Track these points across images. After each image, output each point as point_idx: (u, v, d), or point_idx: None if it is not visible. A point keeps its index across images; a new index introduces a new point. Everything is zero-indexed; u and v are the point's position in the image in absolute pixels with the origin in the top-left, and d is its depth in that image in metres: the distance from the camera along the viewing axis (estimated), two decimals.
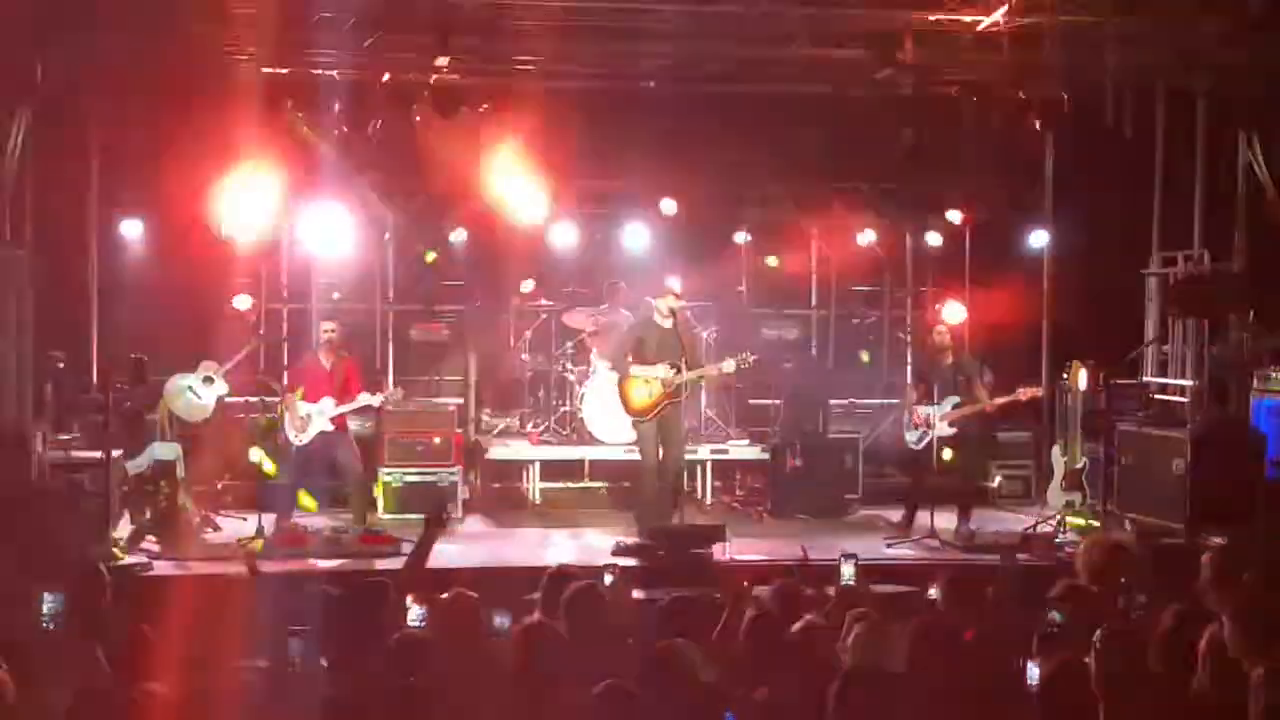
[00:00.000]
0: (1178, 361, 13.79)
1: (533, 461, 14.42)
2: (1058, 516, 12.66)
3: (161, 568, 10.99)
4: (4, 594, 6.67)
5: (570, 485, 14.76)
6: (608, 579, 7.52)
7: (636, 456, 12.86)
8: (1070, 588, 6.93)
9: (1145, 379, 14.21)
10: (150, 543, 11.66)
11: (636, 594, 8.48)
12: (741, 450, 14.72)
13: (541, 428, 14.99)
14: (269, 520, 11.99)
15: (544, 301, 15.69)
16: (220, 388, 13.22)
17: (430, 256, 15.55)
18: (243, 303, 14.44)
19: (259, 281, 15.27)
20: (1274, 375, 13.29)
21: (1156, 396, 14.02)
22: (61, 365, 12.89)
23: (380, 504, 13.24)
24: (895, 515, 12.93)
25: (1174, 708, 5.52)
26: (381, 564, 10.82)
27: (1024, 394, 12.65)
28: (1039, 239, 15.65)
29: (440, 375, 15.92)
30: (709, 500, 14.31)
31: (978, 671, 5.88)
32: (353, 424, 12.81)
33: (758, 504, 14.14)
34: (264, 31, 12.08)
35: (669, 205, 15.64)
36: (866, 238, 16.72)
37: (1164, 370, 14.02)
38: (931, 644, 5.90)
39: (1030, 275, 15.73)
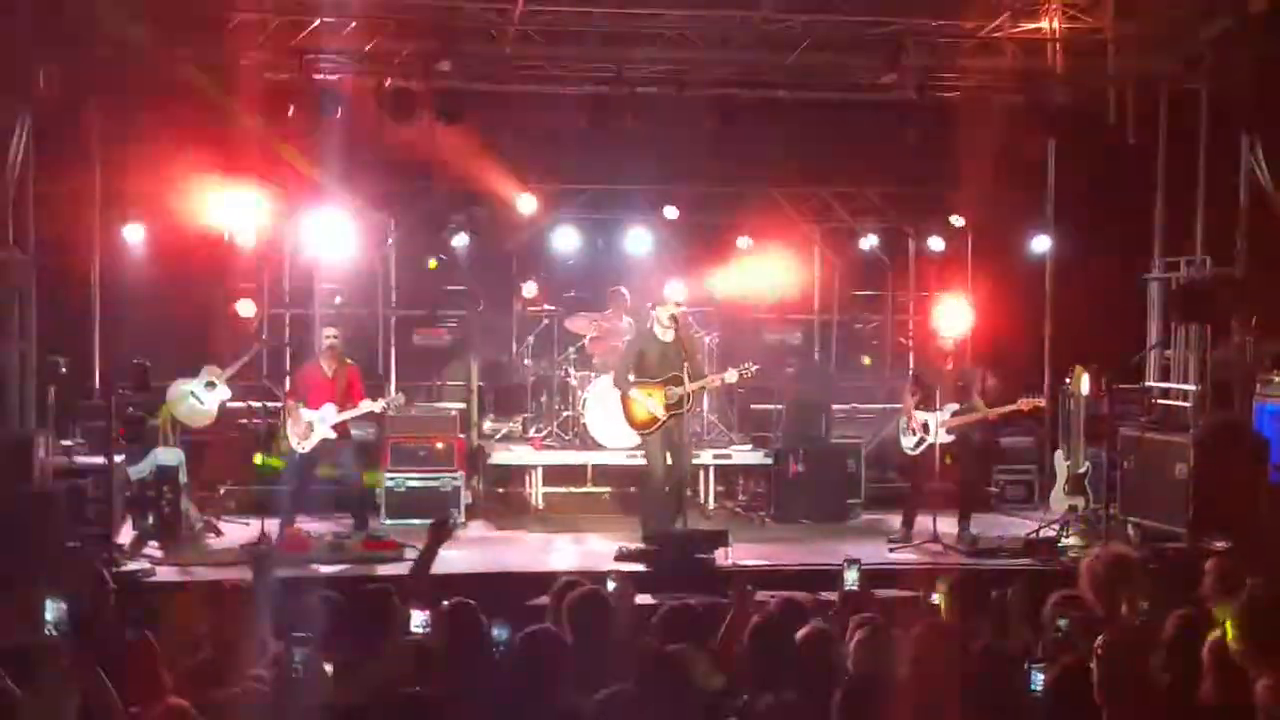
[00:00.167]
0: (1180, 366, 13.77)
1: (535, 467, 14.41)
2: (1061, 521, 12.66)
3: (164, 573, 10.99)
4: (7, 600, 6.66)
5: (573, 490, 14.73)
6: (611, 585, 7.51)
7: (639, 461, 12.86)
8: (1070, 595, 6.92)
9: (1148, 384, 14.19)
10: (153, 548, 11.66)
11: (640, 599, 8.46)
12: (744, 455, 14.70)
13: (544, 433, 14.99)
14: (272, 525, 11.98)
15: (546, 306, 15.69)
16: (223, 393, 13.24)
17: (432, 264, 15.55)
18: (246, 309, 14.43)
19: (261, 286, 15.26)
20: (1276, 379, 13.28)
21: (1159, 401, 13.99)
22: (64, 370, 12.87)
23: (382, 509, 13.23)
24: (898, 520, 12.91)
25: (1177, 714, 5.51)
26: (384, 569, 10.81)
27: (1025, 405, 12.64)
28: (1041, 244, 15.66)
29: (443, 380, 15.91)
30: (711, 505, 14.29)
31: (981, 677, 5.87)
32: (355, 430, 12.80)
33: (760, 509, 14.12)
34: (266, 37, 12.12)
35: (672, 211, 15.67)
36: (869, 242, 16.73)
37: (1166, 375, 14.00)
38: (935, 649, 5.90)
39: (1032, 280, 15.73)
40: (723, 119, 13.24)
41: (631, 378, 12.32)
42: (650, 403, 12.19)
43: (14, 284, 11.89)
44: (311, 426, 12.21)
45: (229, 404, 13.43)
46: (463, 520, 13.22)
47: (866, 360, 17.05)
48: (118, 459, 11.82)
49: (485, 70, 13.18)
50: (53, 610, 5.82)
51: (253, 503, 12.81)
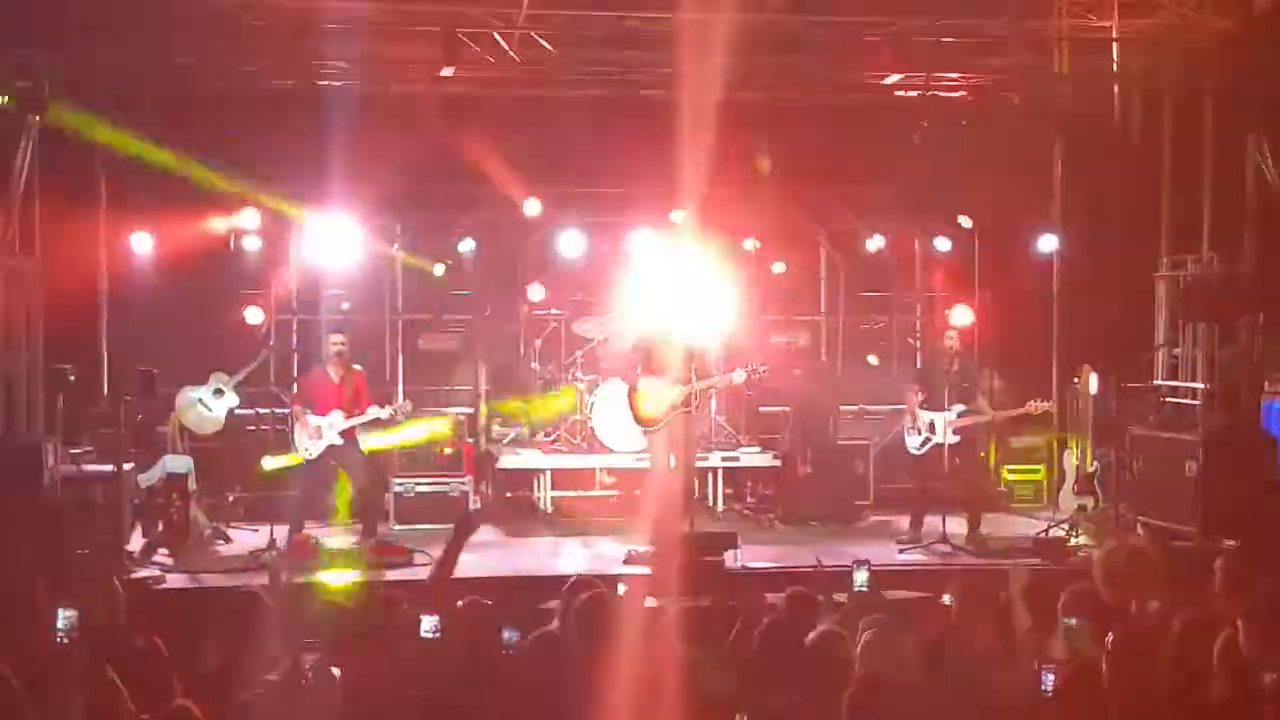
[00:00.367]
0: (1188, 365, 13.76)
1: (544, 470, 14.41)
2: (1070, 521, 12.65)
3: (174, 580, 11.01)
4: (17, 609, 6.67)
5: (582, 494, 14.73)
6: (621, 589, 7.51)
7: (648, 464, 12.85)
8: (1082, 593, 6.91)
9: (1156, 382, 14.18)
10: (162, 556, 11.67)
11: (649, 602, 8.45)
12: (752, 457, 14.69)
13: (552, 437, 14.98)
14: (281, 531, 11.98)
15: (553, 310, 15.69)
16: (231, 400, 13.26)
17: (439, 270, 15.56)
18: (254, 316, 14.43)
19: (268, 293, 15.27)
20: None
21: (1167, 400, 13.98)
22: (72, 378, 12.88)
23: (391, 515, 13.24)
24: (906, 521, 12.89)
25: (1186, 713, 5.51)
26: (393, 575, 10.81)
27: (1034, 409, 12.63)
28: (1048, 243, 15.63)
29: (450, 385, 15.91)
30: (720, 507, 14.28)
31: (993, 677, 5.87)
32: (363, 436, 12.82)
33: (769, 511, 14.12)
34: (272, 43, 12.14)
35: (679, 216, 15.65)
36: (876, 243, 16.70)
37: (1175, 374, 13.99)
38: (945, 650, 5.89)
39: (1040, 279, 15.71)
40: (728, 121, 13.23)
41: (640, 371, 12.30)
42: (657, 399, 12.16)
43: (22, 292, 11.91)
44: (320, 432, 12.21)
45: (237, 411, 13.44)
46: (480, 508, 13.21)
47: (873, 359, 17.02)
48: (126, 467, 11.84)
49: (489, 75, 13.16)
50: (63, 618, 5.82)
51: (262, 510, 12.81)
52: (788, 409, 15.32)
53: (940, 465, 12.47)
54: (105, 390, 13.76)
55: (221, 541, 12.51)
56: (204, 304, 14.49)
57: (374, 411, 12.42)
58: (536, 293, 15.76)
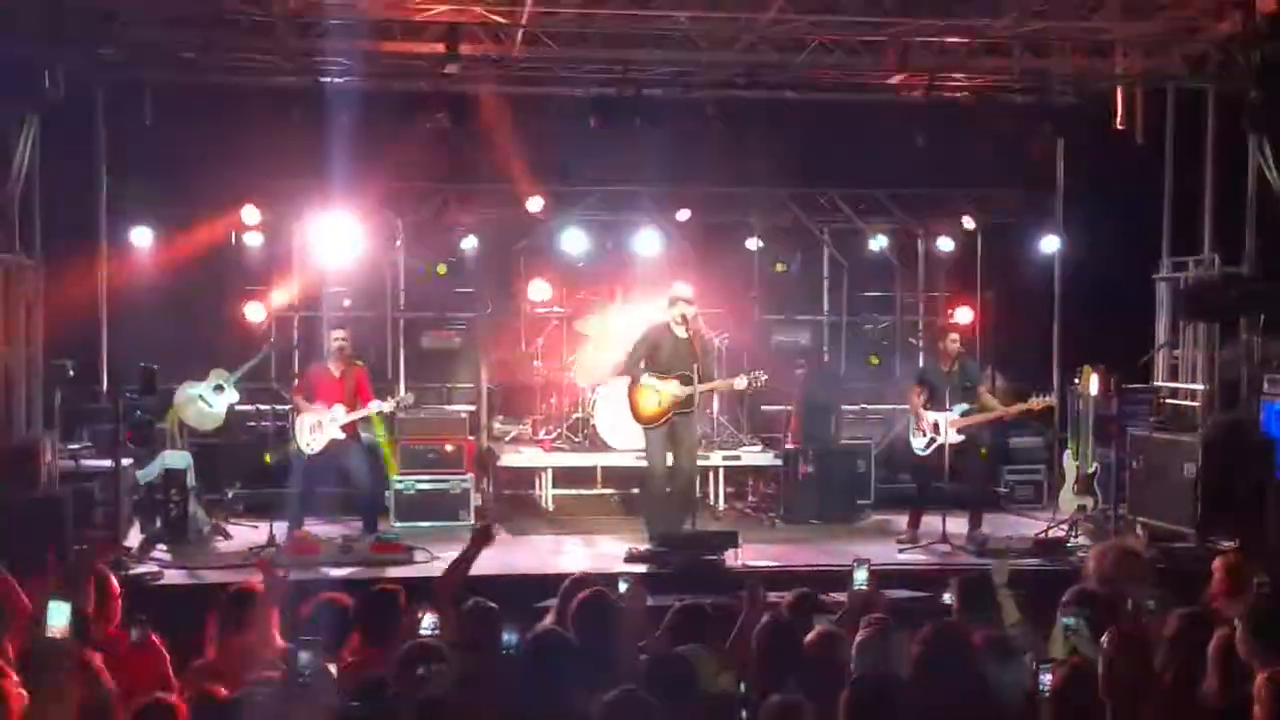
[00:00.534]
0: (1188, 366, 13.75)
1: (545, 468, 14.41)
2: (1069, 521, 12.65)
3: (172, 576, 11.01)
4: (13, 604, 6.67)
5: (583, 492, 14.73)
6: (623, 586, 7.51)
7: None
8: (1080, 592, 6.92)
9: (1156, 383, 14.17)
10: (161, 552, 11.68)
11: (650, 601, 8.46)
12: (754, 456, 14.69)
13: (554, 435, 14.98)
14: (280, 528, 11.98)
15: (555, 308, 15.69)
16: (231, 396, 13.25)
17: (442, 269, 15.56)
18: (255, 313, 14.44)
19: (269, 289, 15.28)
20: None
21: (1167, 401, 13.97)
22: (72, 374, 12.90)
23: (392, 512, 13.23)
24: (906, 521, 12.89)
25: (1182, 712, 5.50)
26: (393, 572, 10.81)
27: (1037, 404, 12.64)
28: (1050, 244, 15.64)
29: (452, 383, 15.92)
30: (721, 506, 14.28)
31: (988, 676, 5.86)
32: (363, 433, 12.82)
33: (770, 510, 14.12)
34: (274, 40, 12.13)
35: (684, 213, 15.68)
36: (878, 243, 16.71)
37: (1175, 375, 13.98)
38: (943, 650, 5.88)
39: (1041, 280, 15.71)
40: (732, 120, 13.26)
41: (643, 367, 12.29)
42: (658, 397, 12.14)
43: (22, 288, 11.91)
44: (320, 427, 12.21)
45: (237, 407, 13.44)
46: (474, 522, 13.19)
47: (874, 359, 17.03)
48: (125, 462, 11.84)
49: (492, 72, 13.16)
50: (57, 613, 5.82)
51: (261, 506, 12.81)
52: (789, 408, 15.31)
53: (944, 465, 12.46)
54: (105, 386, 13.75)
55: (221, 538, 12.50)
56: (204, 300, 14.51)
57: (375, 405, 12.43)
58: (537, 289, 15.76)
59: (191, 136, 13.45)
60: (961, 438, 12.46)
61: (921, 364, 15.02)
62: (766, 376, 12.53)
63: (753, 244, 16.52)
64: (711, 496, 14.27)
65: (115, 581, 7.30)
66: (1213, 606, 7.03)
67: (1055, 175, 15.45)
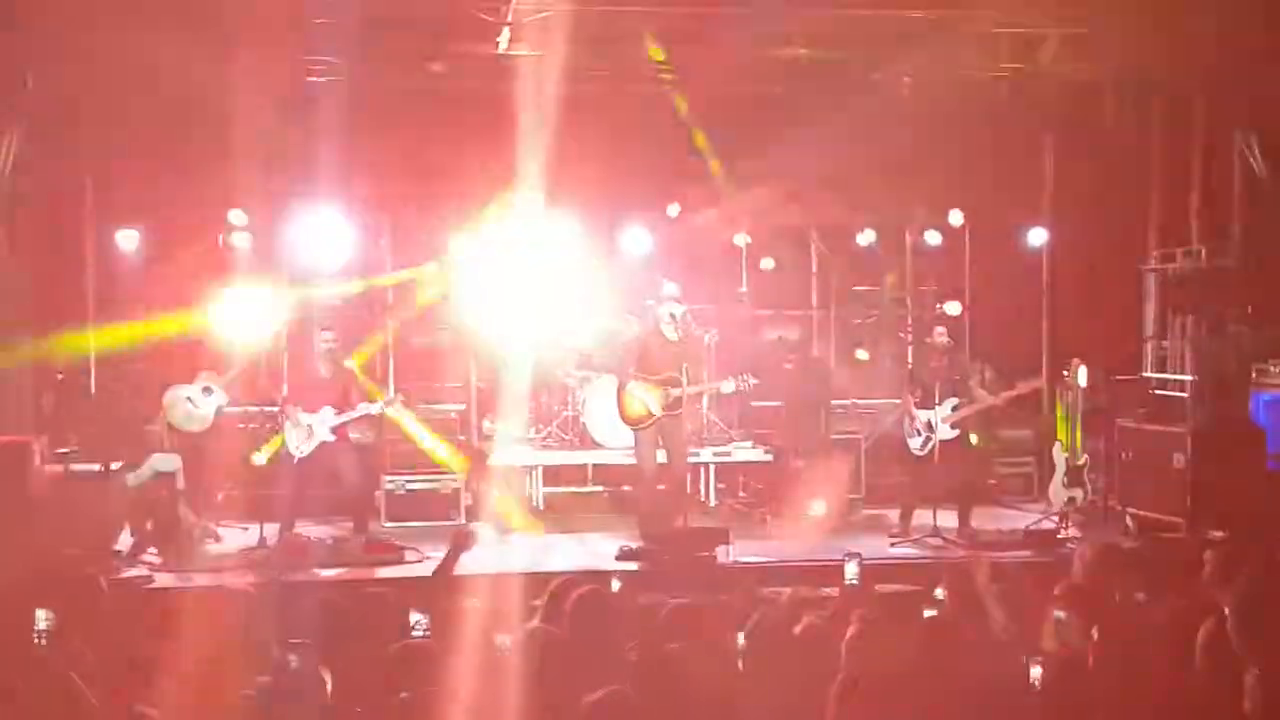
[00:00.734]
0: (1177, 357, 13.78)
1: (535, 467, 14.40)
2: (1060, 513, 12.67)
3: (162, 580, 10.98)
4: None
5: (573, 490, 14.73)
6: (615, 585, 7.50)
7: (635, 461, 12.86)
8: (1070, 586, 6.93)
9: (1145, 374, 14.19)
10: (151, 555, 11.65)
11: (642, 599, 8.45)
12: (744, 452, 14.69)
13: (544, 433, 14.97)
14: (271, 530, 11.96)
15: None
16: (219, 398, 13.21)
17: (434, 269, 15.55)
18: (248, 313, 14.41)
19: (258, 289, 15.23)
20: (1272, 369, 13.29)
21: (1156, 392, 14.00)
22: (60, 377, 12.87)
23: (382, 512, 13.22)
24: (898, 514, 12.89)
25: (1172, 704, 5.50)
26: (385, 572, 10.80)
27: (1025, 387, 12.67)
28: (1038, 237, 15.65)
29: (442, 382, 15.88)
30: (712, 503, 14.28)
31: (979, 671, 5.86)
32: (353, 434, 12.80)
33: (761, 506, 14.13)
34: (259, 38, 12.10)
35: (674, 209, 15.66)
36: (866, 238, 16.72)
37: (1163, 366, 14.01)
38: (935, 644, 5.88)
39: (1030, 273, 15.72)
40: (720, 116, 13.27)
41: (633, 371, 12.29)
42: (647, 399, 12.16)
43: (9, 291, 11.88)
44: (311, 430, 12.19)
45: (226, 409, 13.40)
46: (465, 522, 13.19)
47: (862, 354, 17.03)
48: (114, 465, 11.81)
49: (478, 69, 13.14)
50: (43, 619, 5.80)
51: (252, 507, 12.78)
52: (779, 404, 15.32)
53: (939, 461, 12.47)
54: (93, 389, 13.71)
55: (211, 540, 12.47)
56: (192, 301, 14.46)
57: (364, 407, 12.40)
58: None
59: (180, 137, 13.41)
60: (955, 432, 12.46)
61: (911, 363, 15.02)
62: (756, 381, 12.54)
63: (740, 239, 16.50)
64: (703, 493, 14.27)
65: (105, 585, 7.28)
66: (1203, 597, 7.02)
67: (1043, 167, 15.45)
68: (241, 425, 13.83)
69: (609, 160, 14.66)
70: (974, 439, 12.70)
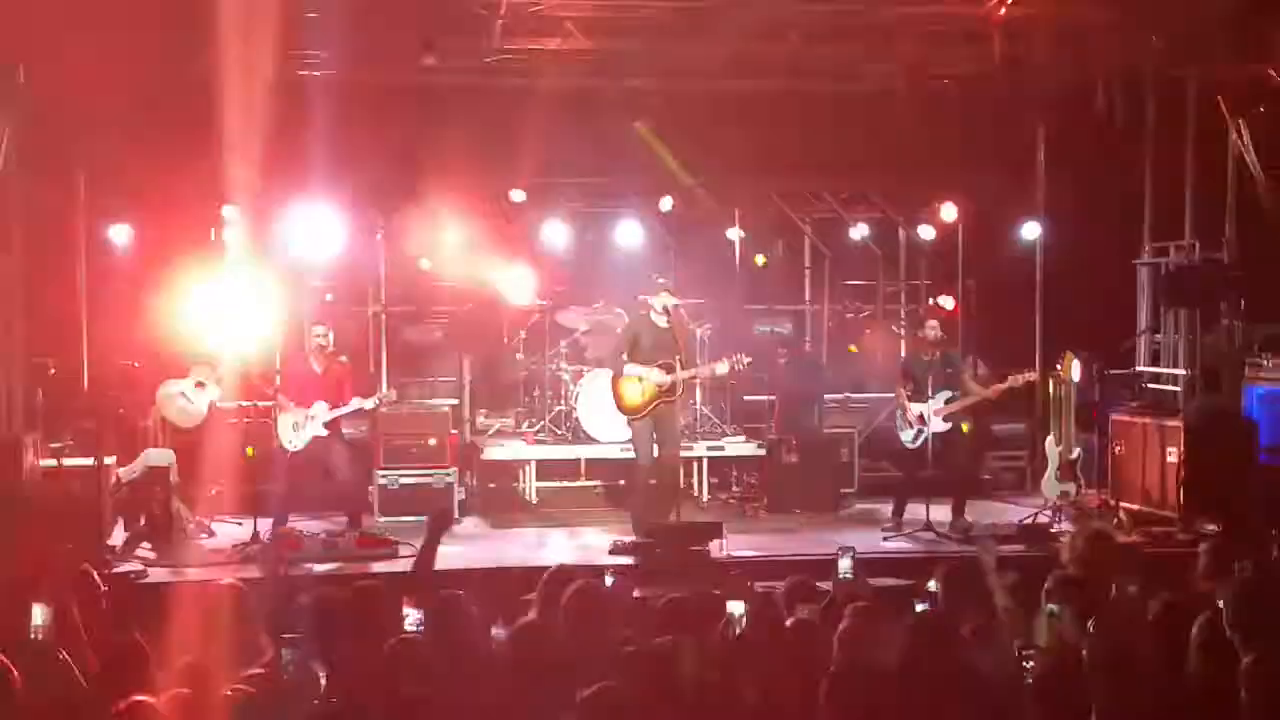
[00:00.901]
0: (1170, 351, 13.79)
1: (529, 461, 14.40)
2: (1054, 507, 12.68)
3: (156, 574, 10.97)
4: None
5: (567, 485, 14.73)
6: (609, 579, 7.51)
7: (632, 455, 12.85)
8: (1063, 579, 6.93)
9: (1138, 369, 14.21)
10: (145, 549, 11.63)
11: (636, 593, 8.46)
12: (737, 447, 14.70)
13: (537, 427, 14.97)
14: (264, 524, 11.95)
15: (537, 301, 15.67)
16: (212, 393, 13.19)
17: (425, 264, 15.55)
18: (237, 309, 14.40)
19: (250, 285, 15.21)
20: (1265, 363, 13.32)
21: (1149, 386, 14.02)
22: (52, 372, 12.85)
23: (376, 507, 13.21)
24: (891, 509, 12.90)
25: (1167, 696, 5.52)
26: (378, 567, 10.79)
27: (1018, 380, 12.66)
28: (1031, 231, 15.65)
29: (434, 376, 15.89)
30: (705, 497, 14.29)
31: (972, 664, 5.87)
32: (346, 428, 12.79)
33: (754, 500, 14.13)
34: (249, 32, 12.07)
35: (667, 202, 15.66)
36: (859, 232, 16.73)
37: (1156, 360, 14.02)
38: (927, 638, 5.89)
39: (1023, 267, 15.72)
40: (713, 111, 13.25)
41: (625, 358, 12.29)
42: (641, 386, 12.14)
43: (1, 287, 11.85)
44: (303, 425, 12.18)
45: (219, 403, 13.39)
46: (457, 516, 13.18)
47: (852, 348, 17.07)
48: (108, 460, 11.79)
49: (472, 64, 13.12)
50: (39, 614, 5.79)
51: (245, 502, 12.77)
52: (773, 398, 15.33)
53: (926, 453, 12.48)
54: (86, 384, 13.68)
55: (205, 535, 12.46)
56: (184, 296, 14.43)
57: (356, 403, 12.39)
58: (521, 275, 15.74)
59: (172, 132, 13.38)
60: (947, 426, 12.47)
61: (904, 356, 15.02)
62: (749, 360, 12.56)
63: (734, 234, 16.52)
64: (696, 487, 14.28)
65: (99, 580, 7.27)
66: (1197, 590, 7.05)
67: (1036, 162, 15.45)
68: (235, 420, 13.82)
69: (605, 154, 14.69)
70: (965, 427, 12.70)
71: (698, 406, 14.98)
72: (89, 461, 11.67)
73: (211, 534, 12.49)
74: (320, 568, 11.07)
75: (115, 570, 10.54)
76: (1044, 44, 13.12)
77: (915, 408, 12.53)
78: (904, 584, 9.51)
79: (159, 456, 12.47)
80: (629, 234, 15.94)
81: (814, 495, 13.84)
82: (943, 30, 12.87)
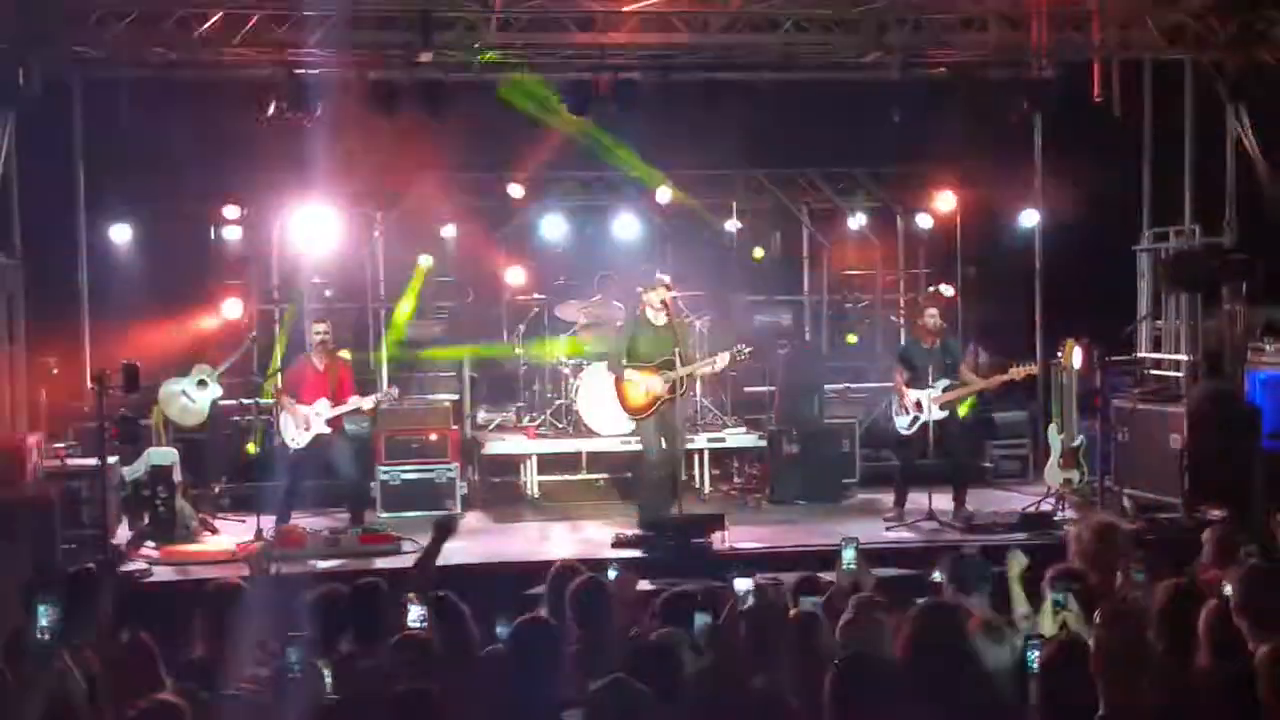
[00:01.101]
0: (1171, 337, 13.79)
1: (530, 455, 14.40)
2: (1056, 495, 12.68)
3: (161, 573, 10.97)
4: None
5: (568, 478, 14.73)
6: (612, 573, 7.51)
7: (633, 447, 12.85)
8: (1067, 568, 6.93)
9: (1139, 355, 14.20)
10: (149, 548, 11.64)
11: (640, 586, 8.45)
12: (738, 438, 14.69)
13: (537, 421, 14.97)
14: (267, 522, 11.96)
15: (536, 295, 15.67)
16: (214, 391, 13.19)
17: (427, 262, 15.56)
18: (233, 310, 14.43)
19: (249, 283, 15.25)
20: (1267, 348, 13.30)
21: (1151, 372, 14.01)
22: (55, 372, 12.85)
23: (378, 503, 13.22)
24: (892, 499, 12.90)
25: (1173, 685, 5.51)
26: (381, 563, 10.79)
27: (1018, 373, 12.64)
28: (1030, 218, 15.65)
29: (434, 372, 15.89)
30: (707, 489, 14.28)
31: (978, 655, 5.86)
32: (348, 424, 12.80)
33: (756, 492, 14.13)
34: (247, 31, 12.06)
35: (664, 194, 15.64)
36: (857, 222, 16.73)
37: (1158, 346, 14.01)
38: (933, 628, 5.88)
39: (1022, 255, 15.72)
40: (707, 102, 13.21)
41: (625, 362, 12.30)
42: (645, 387, 12.16)
43: (2, 287, 11.85)
44: (307, 422, 12.19)
45: (221, 401, 13.39)
46: (460, 512, 13.19)
47: (851, 338, 17.07)
48: (111, 460, 11.79)
49: (467, 60, 13.10)
50: (44, 614, 5.78)
51: (248, 500, 12.78)
52: (773, 389, 15.33)
53: (927, 442, 12.48)
54: (88, 384, 13.68)
55: (208, 533, 12.47)
56: (185, 295, 14.45)
57: (356, 400, 12.40)
58: (518, 277, 15.74)
59: (169, 131, 13.38)
60: (945, 414, 12.47)
61: (903, 342, 15.01)
62: (750, 349, 12.56)
63: (732, 225, 16.51)
64: (697, 479, 14.28)
65: (105, 580, 7.28)
66: (1203, 577, 7.04)
67: (1033, 149, 15.43)
68: (237, 418, 13.83)
69: (601, 148, 14.68)
70: (964, 409, 12.70)
71: (698, 399, 14.97)
72: (92, 461, 11.68)
73: (215, 532, 12.50)
74: (323, 564, 11.06)
75: (120, 570, 10.55)
76: (1040, 30, 13.11)
77: (912, 394, 12.53)
78: (907, 574, 9.50)
79: (162, 455, 12.47)
80: (626, 227, 15.92)
81: (815, 486, 13.84)
82: (938, 18, 12.84)
